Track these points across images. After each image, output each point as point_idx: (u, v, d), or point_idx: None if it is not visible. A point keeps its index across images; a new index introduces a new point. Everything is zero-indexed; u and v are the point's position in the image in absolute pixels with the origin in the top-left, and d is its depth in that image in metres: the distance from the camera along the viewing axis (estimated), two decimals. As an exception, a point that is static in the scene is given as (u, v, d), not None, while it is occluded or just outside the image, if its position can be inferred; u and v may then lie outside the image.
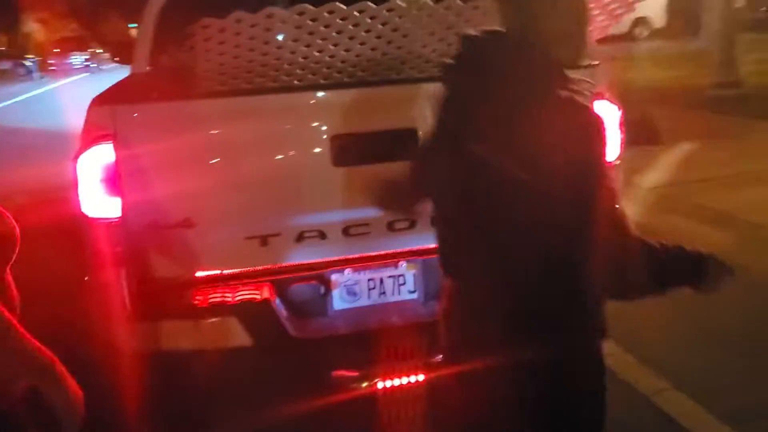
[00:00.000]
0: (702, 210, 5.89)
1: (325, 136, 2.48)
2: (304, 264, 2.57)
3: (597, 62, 2.64)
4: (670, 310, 3.89)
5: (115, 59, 4.97)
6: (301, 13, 2.18)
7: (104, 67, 29.30)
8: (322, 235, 2.54)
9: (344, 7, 2.18)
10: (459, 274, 1.71)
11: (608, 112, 2.66)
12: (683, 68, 13.49)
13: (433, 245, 2.59)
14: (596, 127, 1.48)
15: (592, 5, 2.38)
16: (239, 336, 2.46)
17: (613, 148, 2.71)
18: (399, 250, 2.64)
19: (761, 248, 5.14)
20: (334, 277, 2.64)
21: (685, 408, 3.14)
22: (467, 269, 1.68)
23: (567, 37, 1.52)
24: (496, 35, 1.59)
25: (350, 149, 2.50)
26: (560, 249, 1.46)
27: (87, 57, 34.61)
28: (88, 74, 30.33)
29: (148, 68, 3.53)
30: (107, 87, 3.07)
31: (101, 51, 30.64)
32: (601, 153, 1.49)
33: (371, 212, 2.56)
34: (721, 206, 6.03)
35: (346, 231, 2.56)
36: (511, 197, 1.49)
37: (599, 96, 2.63)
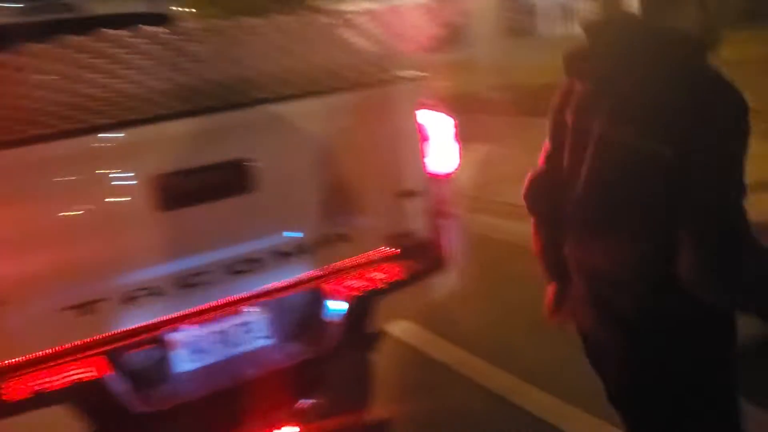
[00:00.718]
0: (505, 207, 6.19)
1: (145, 178, 2.18)
2: (138, 328, 2.23)
3: (426, 73, 2.61)
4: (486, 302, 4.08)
5: None
6: (101, 40, 1.88)
7: None
8: (156, 292, 2.23)
9: (157, 31, 1.92)
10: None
11: (443, 123, 2.62)
12: (455, 77, 14.32)
13: (281, 283, 2.44)
14: (741, 107, 1.43)
15: (424, 14, 2.35)
16: (73, 424, 2.08)
17: (451, 159, 2.68)
18: (245, 294, 2.40)
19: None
20: (174, 336, 2.33)
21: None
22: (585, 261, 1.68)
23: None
24: (629, 18, 1.59)
25: (177, 190, 2.22)
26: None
27: None
28: None
29: None
30: None
31: None
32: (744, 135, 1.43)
33: (209, 257, 2.31)
34: (520, 201, 6.39)
35: (182, 283, 2.27)
36: (650, 178, 1.46)
37: (433, 106, 2.59)
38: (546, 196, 1.84)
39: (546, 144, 1.81)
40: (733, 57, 3.48)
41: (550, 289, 1.95)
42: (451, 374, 3.60)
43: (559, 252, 1.79)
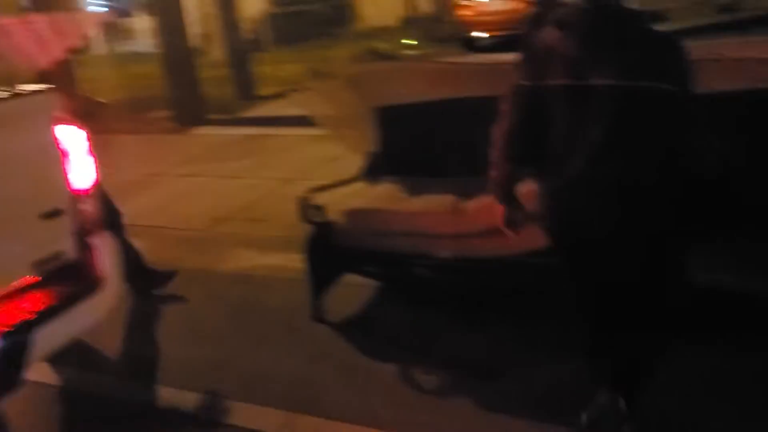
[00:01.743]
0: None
1: None
2: None
3: (53, 85, 2.46)
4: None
5: None
6: None
7: None
8: None
9: None
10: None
11: (78, 137, 2.49)
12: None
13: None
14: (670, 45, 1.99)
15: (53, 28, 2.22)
16: None
17: (87, 175, 2.56)
18: None
19: (180, 245, 5.48)
20: None
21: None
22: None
23: None
24: None
25: None
26: None
27: None
28: None
29: None
30: None
31: None
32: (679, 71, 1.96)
33: None
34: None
35: None
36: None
37: (63, 120, 2.44)
38: (523, 142, 2.20)
39: (510, 105, 2.17)
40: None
41: (500, 210, 2.33)
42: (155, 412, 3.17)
43: (513, 184, 2.27)
